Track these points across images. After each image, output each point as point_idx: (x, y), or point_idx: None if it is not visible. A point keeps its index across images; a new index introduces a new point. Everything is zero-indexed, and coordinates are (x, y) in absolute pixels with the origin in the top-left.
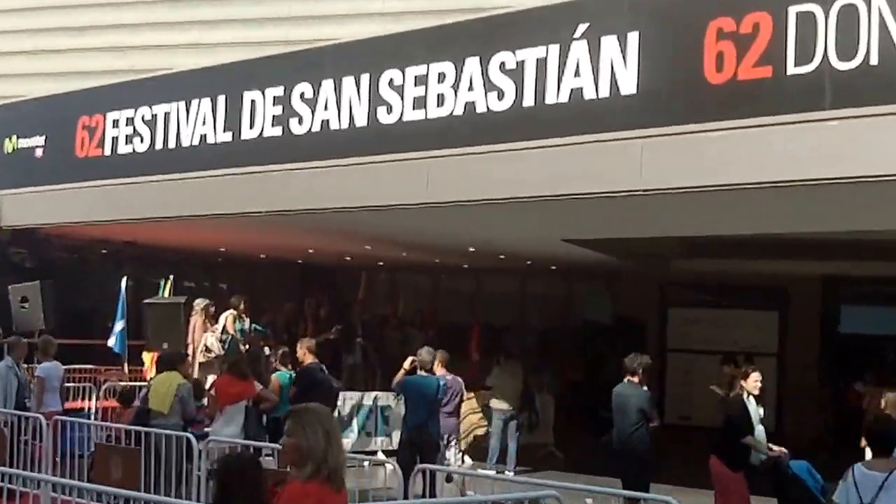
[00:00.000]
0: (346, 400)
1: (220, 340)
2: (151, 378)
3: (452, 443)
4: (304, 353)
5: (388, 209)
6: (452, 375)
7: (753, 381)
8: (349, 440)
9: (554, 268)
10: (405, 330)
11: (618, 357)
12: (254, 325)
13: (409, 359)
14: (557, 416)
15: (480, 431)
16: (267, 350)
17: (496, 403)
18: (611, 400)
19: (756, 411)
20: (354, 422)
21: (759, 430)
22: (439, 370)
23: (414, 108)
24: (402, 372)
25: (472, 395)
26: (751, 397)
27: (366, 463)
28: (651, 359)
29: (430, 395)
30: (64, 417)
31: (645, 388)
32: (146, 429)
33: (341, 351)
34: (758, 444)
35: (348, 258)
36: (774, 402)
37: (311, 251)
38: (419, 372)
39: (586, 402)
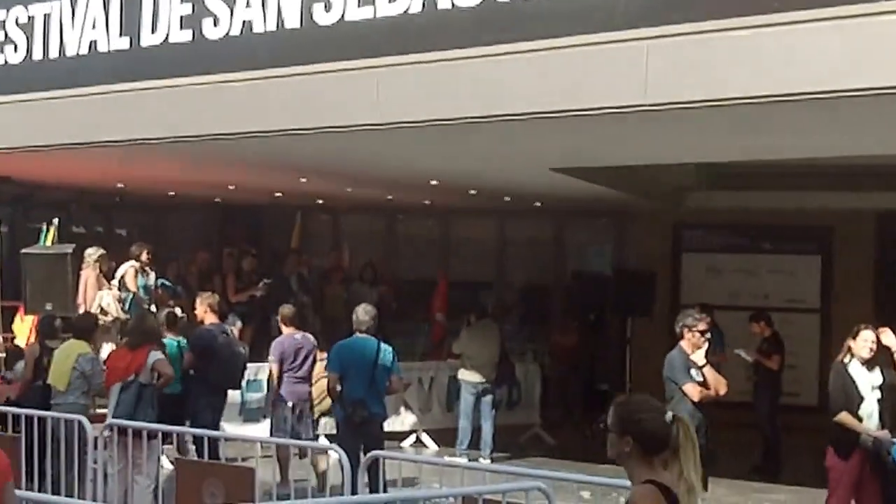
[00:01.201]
0: None
1: (119, 300)
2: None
3: (305, 413)
4: (205, 310)
5: (327, 132)
6: (302, 334)
7: (863, 342)
8: None
9: (539, 205)
10: (352, 286)
11: (620, 317)
12: (160, 280)
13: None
14: (545, 391)
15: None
16: (179, 311)
17: (465, 374)
18: (611, 369)
19: (868, 377)
20: None
21: (870, 400)
22: (287, 329)
23: (360, 5)
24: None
25: (324, 355)
26: (854, 360)
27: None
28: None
29: (367, 361)
30: None
31: (693, 352)
32: (29, 411)
33: (271, 312)
34: (851, 422)
35: (279, 195)
36: (817, 371)
37: (231, 187)
38: (355, 334)
39: (581, 372)
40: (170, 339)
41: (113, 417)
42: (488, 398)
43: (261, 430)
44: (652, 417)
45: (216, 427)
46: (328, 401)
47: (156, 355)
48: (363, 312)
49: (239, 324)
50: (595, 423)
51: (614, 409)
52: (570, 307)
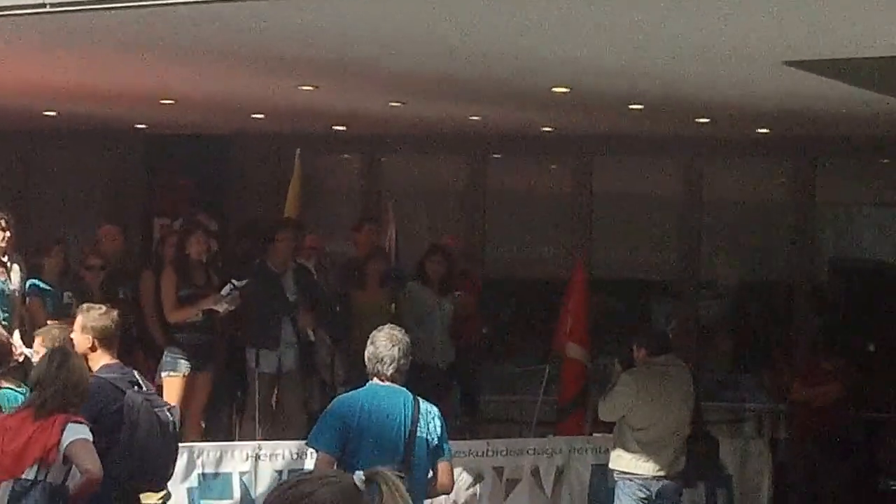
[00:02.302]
0: (262, 459)
1: None
2: None
3: None
4: (89, 343)
5: None
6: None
7: None
8: None
9: (766, 133)
10: (405, 289)
11: None
12: (31, 282)
13: None
14: (780, 492)
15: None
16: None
17: (626, 461)
18: None
19: None
20: None
21: None
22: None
23: None
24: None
25: None
26: None
27: None
28: None
29: (395, 432)
30: None
31: None
32: None
33: (248, 345)
34: None
35: (259, 116)
36: None
37: (168, 101)
38: (372, 382)
39: (853, 454)
40: (6, 390)
41: None
42: None
43: None
44: (326, 485)
45: None
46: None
47: (76, 431)
48: (388, 344)
49: (184, 366)
50: None
51: (269, 498)
52: (826, 329)
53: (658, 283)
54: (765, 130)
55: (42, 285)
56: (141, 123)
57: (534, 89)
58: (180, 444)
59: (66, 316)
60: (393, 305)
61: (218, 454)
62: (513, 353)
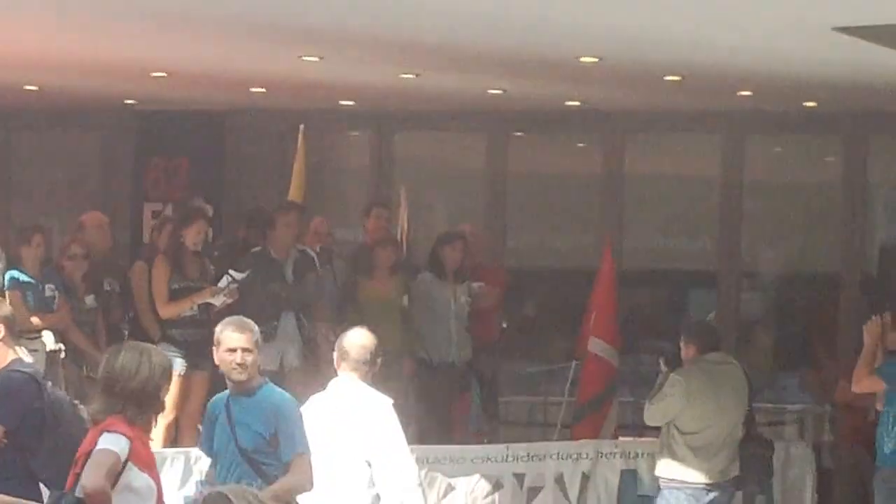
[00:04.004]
0: None
1: None
2: None
3: None
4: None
5: None
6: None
7: None
8: None
9: (811, 106)
10: (418, 280)
11: None
12: (11, 273)
13: None
14: (826, 499)
15: None
16: (49, 341)
17: (673, 467)
18: None
19: None
20: None
21: None
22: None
23: None
24: None
25: None
26: None
27: None
28: None
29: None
30: None
31: None
32: None
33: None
34: None
35: (259, 91)
36: None
37: (159, 74)
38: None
39: None
40: None
41: None
42: None
43: None
44: None
45: None
46: None
47: (105, 441)
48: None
49: (179, 365)
50: None
51: None
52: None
53: (695, 273)
54: (812, 104)
55: (22, 277)
56: (130, 99)
57: (560, 59)
58: (177, 450)
59: (49, 310)
60: (404, 298)
61: None
62: (536, 350)
